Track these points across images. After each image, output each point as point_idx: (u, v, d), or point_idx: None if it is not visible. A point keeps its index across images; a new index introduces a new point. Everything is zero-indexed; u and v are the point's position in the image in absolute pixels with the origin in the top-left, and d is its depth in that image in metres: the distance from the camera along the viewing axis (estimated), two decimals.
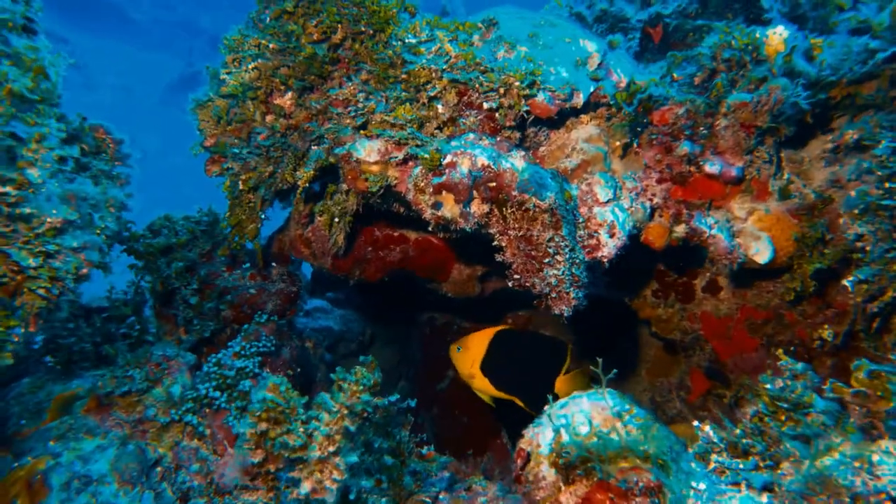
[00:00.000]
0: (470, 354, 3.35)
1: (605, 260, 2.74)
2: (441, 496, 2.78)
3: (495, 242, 2.63)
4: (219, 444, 2.97)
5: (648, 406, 4.12)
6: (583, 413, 2.13)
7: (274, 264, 3.87)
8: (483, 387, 3.23)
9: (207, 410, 2.99)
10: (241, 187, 3.23)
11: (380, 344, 5.78)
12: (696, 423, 2.28)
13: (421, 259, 3.59)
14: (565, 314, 2.57)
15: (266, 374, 3.11)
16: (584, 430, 2.01)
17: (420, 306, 5.03)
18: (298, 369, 3.65)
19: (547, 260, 2.54)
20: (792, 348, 2.96)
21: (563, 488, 1.94)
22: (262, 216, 3.35)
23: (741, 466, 2.03)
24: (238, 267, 3.77)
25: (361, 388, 2.19)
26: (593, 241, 2.73)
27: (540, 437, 2.12)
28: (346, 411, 2.19)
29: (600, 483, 1.88)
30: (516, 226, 2.54)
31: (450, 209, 2.54)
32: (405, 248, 3.56)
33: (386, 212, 3.40)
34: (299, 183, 3.17)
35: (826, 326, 2.78)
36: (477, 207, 2.59)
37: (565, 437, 1.94)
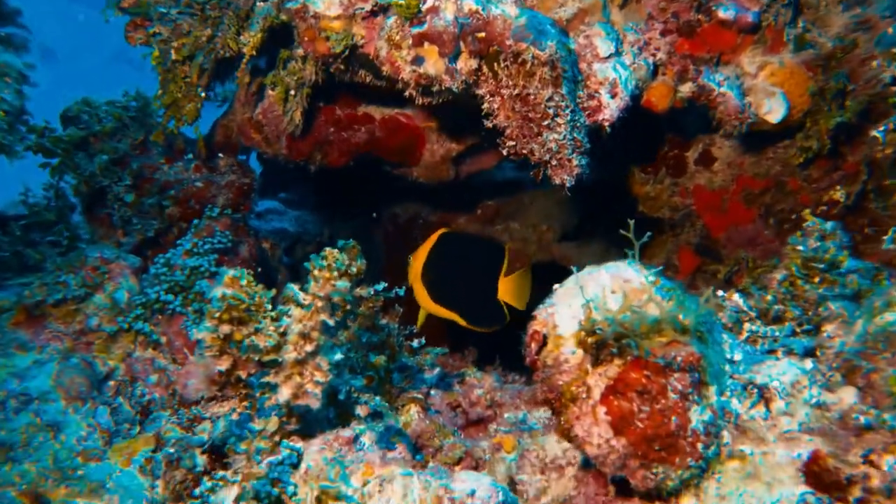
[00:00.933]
0: (415, 266, 3.01)
1: (607, 124, 2.41)
2: (432, 391, 2.54)
3: (485, 105, 2.25)
4: (177, 351, 2.61)
5: None
6: (603, 287, 1.86)
7: (220, 155, 3.38)
8: (424, 302, 2.90)
9: (160, 317, 2.61)
10: (173, 57, 2.69)
11: (339, 245, 5.39)
12: (720, 292, 2.05)
13: (389, 140, 3.17)
14: (567, 183, 2.25)
15: (222, 271, 2.71)
16: (613, 304, 1.74)
17: (384, 200, 4.65)
18: (259, 269, 3.27)
19: (546, 122, 2.19)
20: (794, 216, 2.77)
21: (590, 370, 1.69)
22: (202, 93, 2.83)
23: (777, 333, 1.83)
24: (179, 158, 3.26)
25: (335, 274, 1.84)
26: (593, 103, 2.38)
27: (556, 316, 1.84)
28: (320, 303, 1.85)
29: (635, 361, 1.63)
30: (511, 83, 2.15)
31: (433, 64, 2.12)
32: (371, 128, 3.13)
33: (349, 85, 2.93)
34: (245, 50, 2.65)
35: (838, 188, 2.57)
36: (464, 63, 2.18)
37: (596, 314, 1.67)
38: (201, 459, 2.31)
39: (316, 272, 1.84)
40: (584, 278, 1.97)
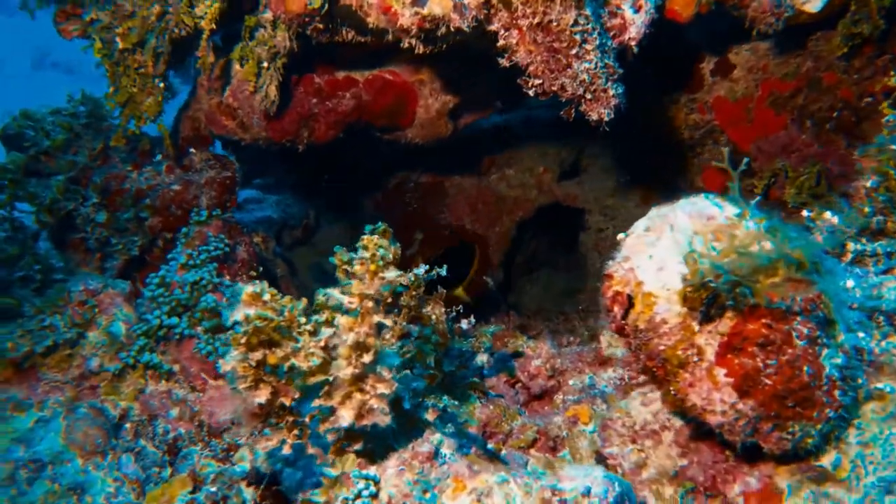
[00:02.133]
0: None
1: (633, 43, 2.10)
2: (485, 369, 2.29)
3: (500, 42, 1.92)
4: (194, 378, 2.30)
5: None
6: (685, 230, 1.59)
7: (192, 150, 2.98)
8: None
9: (167, 343, 2.28)
10: (120, 45, 2.28)
11: (326, 223, 5.06)
12: (805, 212, 1.80)
13: (378, 102, 2.82)
14: (606, 117, 1.95)
15: (229, 283, 2.38)
16: (702, 247, 1.48)
17: (371, 167, 4.29)
18: (261, 268, 2.94)
19: (574, 51, 1.87)
20: (835, 113, 2.52)
21: (697, 328, 1.44)
22: (161, 83, 2.43)
23: (890, 248, 1.59)
24: (147, 161, 2.87)
25: (381, 264, 1.54)
26: (617, 21, 2.06)
27: (637, 272, 1.58)
28: (370, 304, 1.55)
29: (752, 310, 1.38)
30: (528, 10, 1.82)
31: (438, 2, 1.77)
32: (356, 91, 2.76)
33: (324, 48, 2.56)
34: (202, 25, 2.25)
35: (892, 73, 2.32)
36: None
37: (701, 263, 1.40)
38: (249, 493, 2.04)
39: (358, 267, 1.53)
40: (657, 222, 1.70)
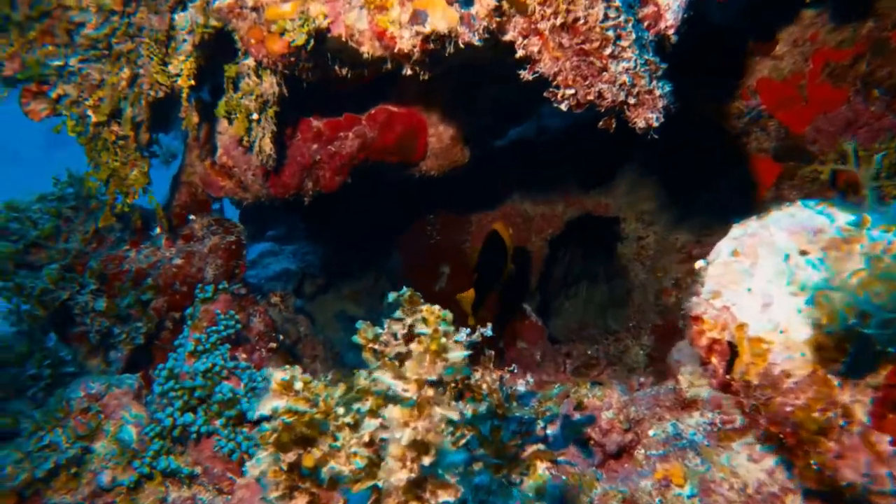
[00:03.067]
0: None
1: (671, 31, 1.78)
2: (549, 430, 1.95)
3: (519, 52, 1.61)
4: (220, 479, 2.00)
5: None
6: (788, 250, 1.25)
7: (192, 217, 2.72)
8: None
9: (185, 444, 1.99)
10: (93, 119, 2.02)
11: (347, 268, 4.77)
12: None
13: (384, 137, 2.52)
14: (654, 123, 1.63)
15: (245, 365, 2.08)
16: (814, 273, 1.13)
17: (385, 205, 4.00)
18: (280, 336, 2.64)
19: (608, 50, 1.55)
20: None
21: (838, 382, 1.09)
22: (146, 152, 2.17)
23: None
24: (145, 237, 2.60)
25: (443, 341, 1.21)
26: (650, 10, 1.74)
27: (737, 310, 1.24)
28: (430, 391, 1.22)
29: None
30: (549, 11, 1.51)
31: (442, 16, 1.47)
32: (360, 129, 2.47)
33: (317, 88, 2.28)
34: (180, 83, 1.98)
35: None
36: (480, 5, 1.53)
37: (832, 298, 1.05)
38: None
39: (418, 346, 1.22)
40: (746, 243, 1.36)
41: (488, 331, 1.57)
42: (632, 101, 1.60)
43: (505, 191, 3.93)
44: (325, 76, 2.10)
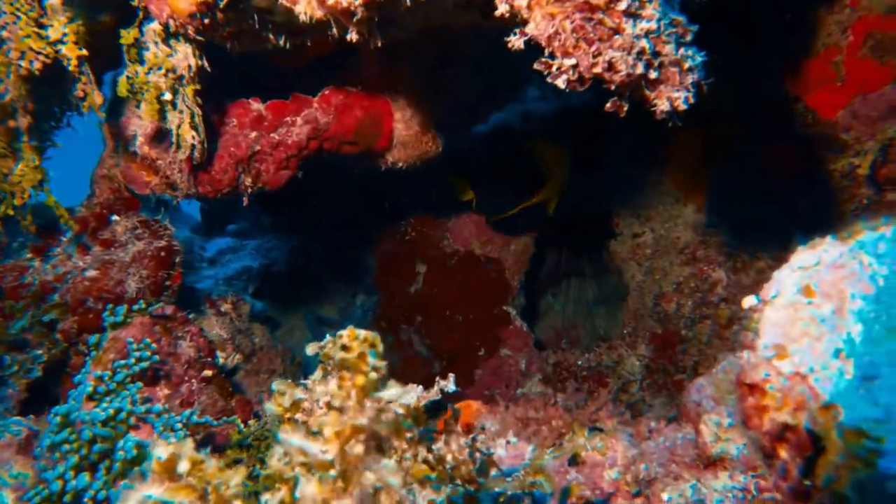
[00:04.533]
0: None
1: None
2: (537, 491, 1.53)
3: (501, 10, 1.16)
4: None
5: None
6: (891, 288, 0.84)
7: (115, 218, 2.25)
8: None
9: None
10: None
11: (318, 261, 4.32)
12: None
13: (342, 124, 2.07)
14: (682, 105, 1.20)
15: (161, 408, 1.64)
16: None
17: (352, 199, 3.55)
18: (220, 358, 2.21)
19: (623, 4, 1.11)
20: None
21: None
22: (33, 140, 1.70)
23: None
24: (54, 243, 2.14)
25: (373, 376, 0.79)
26: None
27: (818, 380, 0.82)
28: (359, 449, 0.80)
29: None
30: None
31: None
32: (311, 114, 2.02)
33: (259, 64, 1.83)
34: (65, 51, 1.51)
35: None
36: None
37: None
38: None
39: (335, 385, 0.79)
40: (824, 278, 0.95)
41: (451, 385, 1.15)
42: (653, 74, 1.16)
43: (487, 182, 3.50)
44: (258, 47, 1.64)
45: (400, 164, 2.34)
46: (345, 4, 1.15)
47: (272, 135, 1.98)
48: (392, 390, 0.76)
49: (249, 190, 1.98)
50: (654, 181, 3.18)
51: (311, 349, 0.92)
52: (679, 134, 2.85)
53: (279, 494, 0.84)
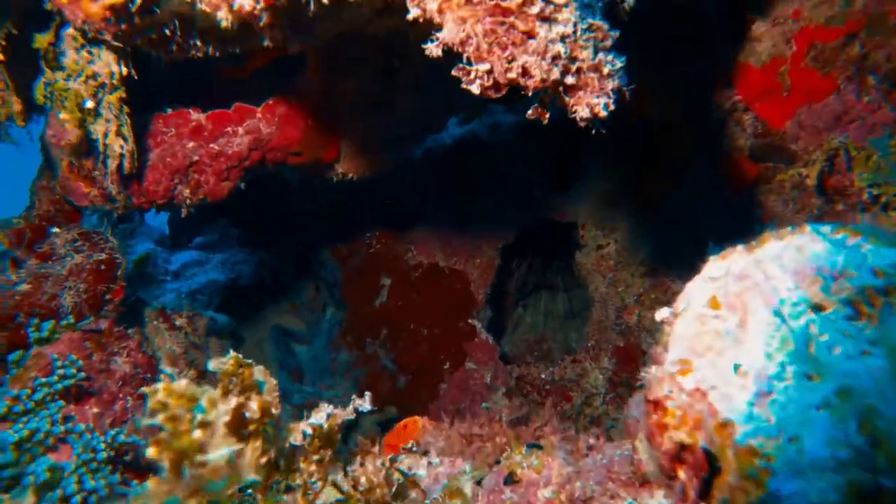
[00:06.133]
0: None
1: None
2: None
3: (413, 14, 1.12)
4: None
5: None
6: (796, 302, 0.79)
7: (55, 230, 2.18)
8: None
9: None
10: None
11: (286, 276, 4.25)
12: None
13: (286, 134, 2.02)
14: (602, 112, 1.15)
15: (82, 427, 1.56)
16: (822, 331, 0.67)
17: (314, 210, 3.50)
18: (175, 376, 2.13)
19: (535, 7, 1.07)
20: None
21: None
22: None
23: None
24: None
25: (196, 434, 0.71)
26: None
27: (716, 397, 0.77)
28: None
29: None
30: None
31: None
32: (253, 124, 1.97)
33: (199, 75, 1.78)
34: None
35: None
36: None
37: (862, 396, 0.60)
38: None
39: (153, 451, 0.72)
40: (732, 289, 0.90)
41: (365, 404, 1.09)
42: (570, 80, 1.12)
43: (452, 193, 3.46)
44: (187, 54, 1.59)
45: (350, 175, 2.28)
46: (248, 9, 1.10)
47: (212, 145, 1.92)
48: (220, 451, 0.68)
49: (188, 201, 1.92)
50: (619, 192, 3.15)
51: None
52: (639, 148, 2.83)
53: None
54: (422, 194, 3.26)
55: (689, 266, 2.98)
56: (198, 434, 0.67)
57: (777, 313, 0.78)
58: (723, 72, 2.10)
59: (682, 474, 0.79)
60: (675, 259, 2.81)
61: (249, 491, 0.99)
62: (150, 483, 0.68)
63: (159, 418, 0.67)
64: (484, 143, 3.54)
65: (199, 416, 0.69)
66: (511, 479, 1.47)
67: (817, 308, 0.78)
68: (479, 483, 1.48)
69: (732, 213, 2.38)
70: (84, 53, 1.46)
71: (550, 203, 3.43)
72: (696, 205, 2.55)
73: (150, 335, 2.61)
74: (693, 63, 2.12)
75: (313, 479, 1.04)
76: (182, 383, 0.71)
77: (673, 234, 2.79)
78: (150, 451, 0.67)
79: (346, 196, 3.13)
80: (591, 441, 1.55)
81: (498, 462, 1.54)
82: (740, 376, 0.77)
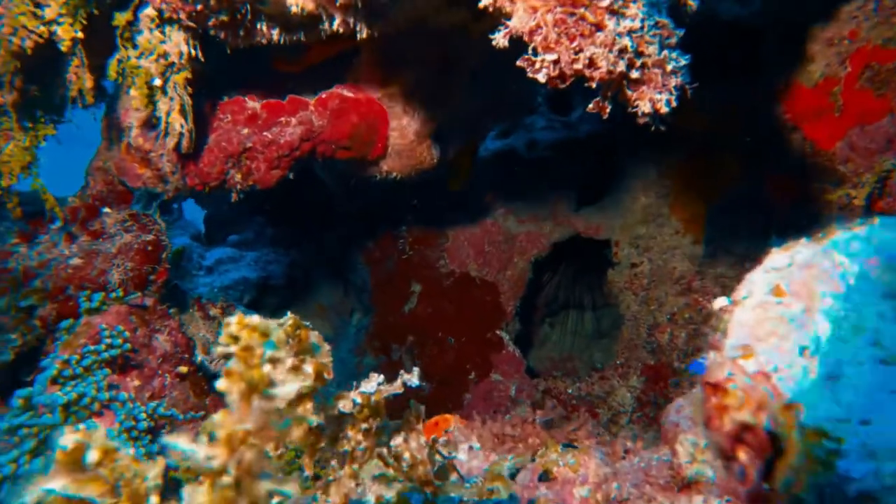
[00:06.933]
0: None
1: None
2: None
3: (484, 2, 1.15)
4: None
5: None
6: (865, 289, 0.79)
7: (106, 210, 2.25)
8: None
9: None
10: None
11: (318, 277, 4.29)
12: None
13: (336, 128, 2.07)
14: (664, 108, 1.17)
15: (125, 396, 1.60)
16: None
17: (351, 211, 3.54)
18: (199, 357, 2.16)
19: (604, 1, 1.10)
20: None
21: None
22: (26, 121, 1.70)
23: None
24: (42, 231, 2.13)
25: (266, 369, 0.72)
26: None
27: (781, 379, 0.77)
28: (249, 456, 0.74)
29: None
30: None
31: None
32: (306, 115, 2.02)
33: (257, 60, 1.83)
34: (60, 32, 1.53)
35: None
36: None
37: None
38: None
39: (223, 382, 0.72)
40: (795, 278, 0.90)
41: (413, 380, 1.10)
42: (635, 74, 1.14)
43: (487, 204, 3.48)
44: (253, 40, 1.65)
45: (394, 174, 2.32)
46: None
47: (265, 133, 1.97)
48: (287, 387, 0.69)
49: (239, 186, 1.97)
50: (656, 212, 3.15)
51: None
52: (681, 164, 2.83)
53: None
54: (458, 202, 3.29)
55: (727, 285, 2.95)
56: (268, 368, 0.69)
57: (847, 299, 0.77)
58: (772, 90, 2.10)
59: (742, 456, 0.78)
60: (712, 278, 2.78)
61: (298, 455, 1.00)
62: (220, 414, 0.69)
63: (232, 349, 0.69)
64: (521, 158, 3.57)
65: (270, 352, 0.70)
66: (546, 477, 1.46)
67: (889, 296, 0.78)
68: (513, 478, 1.47)
69: (777, 233, 2.36)
70: (157, 33, 1.52)
71: (584, 219, 3.43)
72: (739, 224, 2.54)
73: (185, 322, 2.65)
74: (744, 80, 2.12)
75: (362, 447, 1.04)
76: (255, 317, 0.72)
77: (712, 253, 2.77)
78: (221, 383, 0.69)
79: (383, 198, 3.17)
80: (629, 444, 1.53)
81: (532, 460, 1.53)
82: (806, 359, 0.77)
